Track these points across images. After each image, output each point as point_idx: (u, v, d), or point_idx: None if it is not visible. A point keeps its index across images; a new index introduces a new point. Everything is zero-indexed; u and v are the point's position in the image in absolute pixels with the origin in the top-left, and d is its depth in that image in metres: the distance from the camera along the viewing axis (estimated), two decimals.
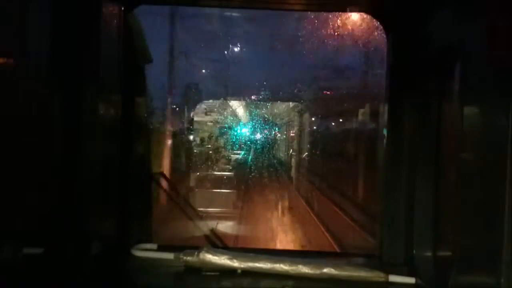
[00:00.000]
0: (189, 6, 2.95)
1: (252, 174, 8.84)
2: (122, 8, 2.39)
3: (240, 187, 8.64)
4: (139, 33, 2.73)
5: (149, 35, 2.82)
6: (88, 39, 2.11)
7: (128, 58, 2.48)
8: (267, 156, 8.97)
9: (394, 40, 2.39)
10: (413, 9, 2.29)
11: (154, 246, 2.41)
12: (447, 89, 2.01)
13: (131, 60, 2.54)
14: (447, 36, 1.99)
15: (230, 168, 9.36)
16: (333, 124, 9.67)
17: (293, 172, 10.92)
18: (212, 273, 2.10)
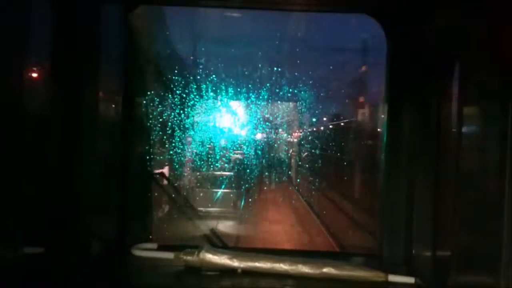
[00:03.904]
0: (189, 6, 2.95)
1: None
2: (123, 8, 2.39)
3: None
4: (140, 33, 2.73)
5: None
6: (88, 39, 2.11)
7: (128, 58, 2.48)
8: None
9: (394, 41, 2.39)
10: (412, 10, 2.29)
11: (154, 245, 2.42)
12: (447, 89, 2.01)
13: (131, 60, 2.54)
14: (446, 36, 1.99)
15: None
16: None
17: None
18: (212, 273, 2.10)
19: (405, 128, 2.34)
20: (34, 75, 1.76)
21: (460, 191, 1.78)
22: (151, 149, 2.92)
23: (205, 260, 2.10)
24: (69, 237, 2.03)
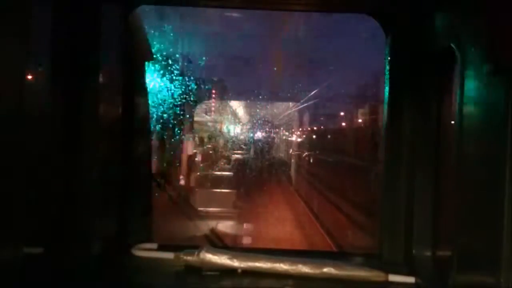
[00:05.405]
0: (189, 6, 2.95)
1: None
2: (123, 8, 2.39)
3: None
4: (140, 32, 2.73)
5: None
6: (88, 39, 2.12)
7: (128, 58, 2.48)
8: None
9: (394, 41, 2.39)
10: (413, 10, 2.29)
11: (154, 245, 2.41)
12: (447, 89, 2.02)
13: (131, 60, 2.54)
14: (447, 36, 1.99)
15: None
16: None
17: None
18: (212, 273, 2.10)
19: (405, 127, 2.33)
20: (35, 75, 1.76)
21: (460, 190, 1.78)
22: (151, 149, 2.92)
23: (205, 260, 2.10)
24: (69, 237, 2.03)
